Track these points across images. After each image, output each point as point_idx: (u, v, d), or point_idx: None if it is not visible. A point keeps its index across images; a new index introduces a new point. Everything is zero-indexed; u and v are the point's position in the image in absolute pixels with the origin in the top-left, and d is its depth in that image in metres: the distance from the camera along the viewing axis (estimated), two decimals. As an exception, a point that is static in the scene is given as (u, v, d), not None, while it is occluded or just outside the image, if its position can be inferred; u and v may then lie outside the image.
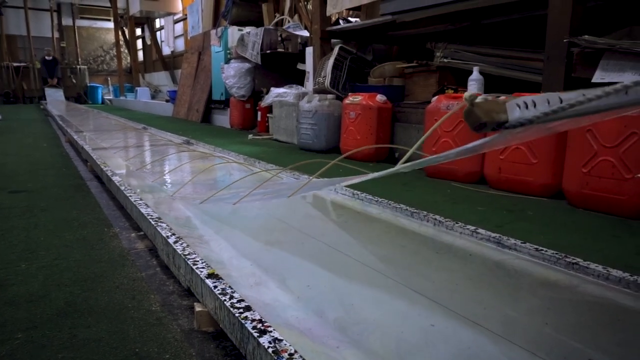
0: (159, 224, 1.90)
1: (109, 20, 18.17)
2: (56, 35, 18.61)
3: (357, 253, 1.89)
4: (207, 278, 1.36)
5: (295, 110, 5.34)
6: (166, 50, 15.95)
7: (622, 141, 2.38)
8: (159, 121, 8.98)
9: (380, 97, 4.26)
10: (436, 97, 3.62)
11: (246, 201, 2.23)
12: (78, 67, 18.68)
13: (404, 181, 3.38)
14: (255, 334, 1.05)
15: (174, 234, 1.76)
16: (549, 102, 0.80)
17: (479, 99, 0.84)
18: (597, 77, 2.72)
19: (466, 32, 4.46)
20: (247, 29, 7.64)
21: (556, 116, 0.79)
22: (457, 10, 3.77)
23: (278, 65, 7.29)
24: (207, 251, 1.82)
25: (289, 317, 1.30)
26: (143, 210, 2.11)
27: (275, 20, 7.82)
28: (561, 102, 0.79)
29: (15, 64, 17.39)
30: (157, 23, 16.76)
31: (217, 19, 9.25)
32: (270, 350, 0.99)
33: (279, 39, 7.15)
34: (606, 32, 3.03)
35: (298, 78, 6.35)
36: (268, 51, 7.04)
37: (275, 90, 6.07)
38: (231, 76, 7.42)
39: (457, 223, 2.06)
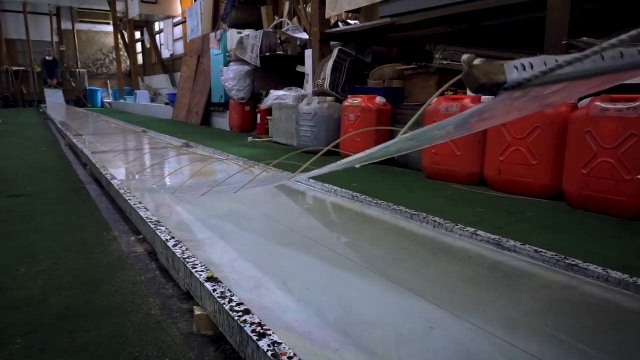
0: (158, 227, 1.90)
1: (108, 23, 18.18)
2: (55, 39, 18.64)
3: (357, 255, 1.88)
4: (206, 281, 1.35)
5: (295, 112, 5.34)
6: (165, 53, 15.99)
7: (621, 142, 2.38)
8: (158, 124, 8.98)
9: (379, 99, 4.26)
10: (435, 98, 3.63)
11: (247, 187, 2.27)
12: (77, 70, 18.69)
13: (403, 183, 3.38)
14: (254, 337, 1.05)
15: (173, 237, 1.76)
16: (545, 64, 0.80)
17: (476, 61, 0.84)
18: (595, 78, 2.72)
19: (465, 34, 4.47)
20: (246, 32, 7.66)
21: (553, 76, 0.78)
22: (456, 12, 3.78)
23: (277, 67, 7.30)
24: (207, 254, 1.82)
25: (288, 320, 1.30)
26: (142, 214, 2.10)
27: (275, 22, 7.83)
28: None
29: (14, 68, 17.41)
30: (157, 26, 16.80)
31: (216, 21, 9.27)
32: (269, 353, 0.99)
33: (278, 41, 7.16)
34: (604, 33, 3.04)
35: (297, 80, 6.36)
36: (267, 54, 7.06)
37: (274, 93, 6.08)
38: (230, 79, 7.43)
39: (456, 225, 2.06)
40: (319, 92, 5.12)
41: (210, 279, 1.38)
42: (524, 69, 0.80)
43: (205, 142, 5.62)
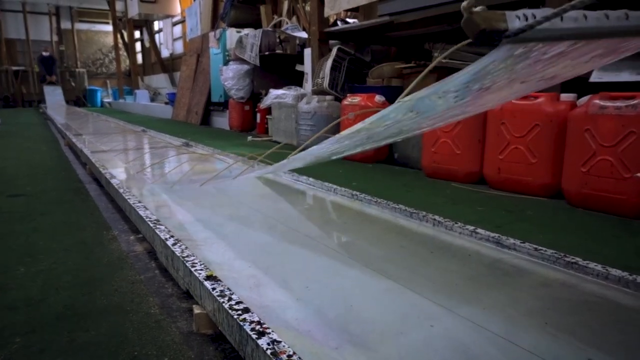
0: (158, 226, 1.90)
1: (108, 23, 18.17)
2: (55, 38, 18.62)
3: (357, 253, 1.88)
4: (205, 280, 1.35)
5: (294, 111, 5.34)
6: (165, 53, 15.97)
7: (620, 140, 2.38)
8: (158, 124, 8.98)
9: (378, 98, 4.26)
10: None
11: (245, 175, 2.28)
12: (77, 70, 18.68)
13: (403, 182, 3.38)
14: (254, 336, 1.05)
15: (172, 236, 1.76)
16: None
17: (477, 8, 0.80)
18: (594, 77, 2.72)
19: (464, 33, 4.46)
20: (245, 31, 7.65)
21: (557, 31, 0.74)
22: (455, 10, 3.77)
23: (277, 66, 7.30)
24: (206, 253, 1.82)
25: (288, 319, 1.30)
26: (142, 213, 2.10)
27: (274, 22, 7.83)
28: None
29: (14, 68, 17.39)
30: (156, 26, 16.78)
31: (215, 21, 9.26)
32: (268, 352, 0.99)
33: (278, 40, 7.16)
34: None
35: (297, 79, 6.36)
36: (267, 53, 7.05)
37: (274, 92, 6.07)
38: (230, 78, 7.42)
39: (456, 223, 2.06)
40: (318, 91, 5.12)
41: (209, 277, 1.38)
42: (527, 19, 0.77)
43: (205, 141, 5.62)
